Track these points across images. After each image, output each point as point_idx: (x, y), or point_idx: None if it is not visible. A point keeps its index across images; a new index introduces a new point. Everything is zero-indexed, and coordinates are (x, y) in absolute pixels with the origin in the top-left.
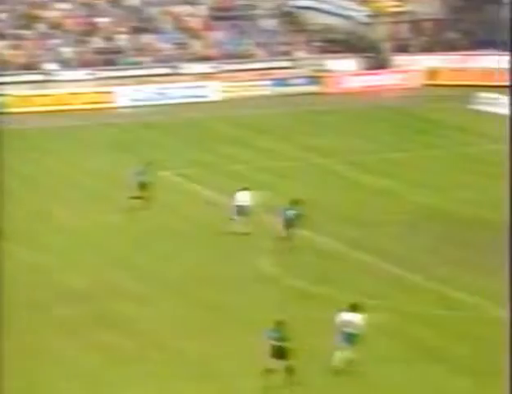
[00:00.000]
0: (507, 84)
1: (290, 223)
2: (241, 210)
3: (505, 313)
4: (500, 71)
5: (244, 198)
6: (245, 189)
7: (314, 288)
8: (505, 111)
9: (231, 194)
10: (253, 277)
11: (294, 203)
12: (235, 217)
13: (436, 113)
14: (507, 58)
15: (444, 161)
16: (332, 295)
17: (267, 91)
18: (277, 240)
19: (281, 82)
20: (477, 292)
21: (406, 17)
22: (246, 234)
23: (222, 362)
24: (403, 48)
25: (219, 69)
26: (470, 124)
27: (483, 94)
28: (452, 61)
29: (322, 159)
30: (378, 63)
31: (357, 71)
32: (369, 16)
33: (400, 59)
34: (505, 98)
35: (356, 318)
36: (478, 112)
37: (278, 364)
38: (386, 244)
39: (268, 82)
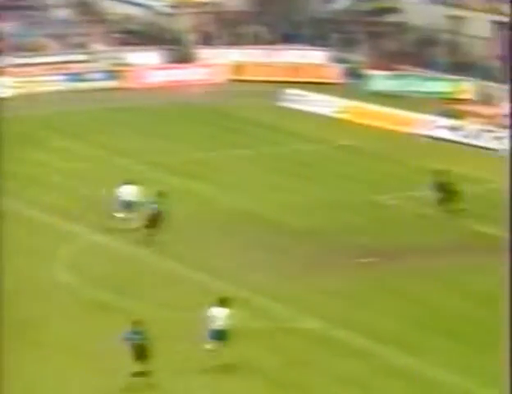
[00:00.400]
0: (313, 80)
1: (153, 218)
2: (126, 205)
3: (315, 325)
4: (306, 66)
5: (128, 191)
6: (129, 182)
7: (114, 299)
8: (313, 108)
9: (22, 199)
10: (51, 287)
11: (159, 195)
12: (120, 213)
13: (243, 110)
14: (313, 53)
15: (252, 161)
16: (132, 307)
17: (61, 86)
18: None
19: (77, 77)
20: (289, 302)
21: (210, 8)
22: (134, 230)
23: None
24: (207, 41)
25: (8, 63)
26: (278, 122)
27: (290, 91)
28: (258, 55)
29: (122, 160)
30: (182, 56)
31: (159, 65)
32: (171, 6)
33: (205, 52)
34: (312, 96)
35: (223, 313)
36: (286, 109)
37: (142, 366)
38: (193, 250)
39: (62, 77)
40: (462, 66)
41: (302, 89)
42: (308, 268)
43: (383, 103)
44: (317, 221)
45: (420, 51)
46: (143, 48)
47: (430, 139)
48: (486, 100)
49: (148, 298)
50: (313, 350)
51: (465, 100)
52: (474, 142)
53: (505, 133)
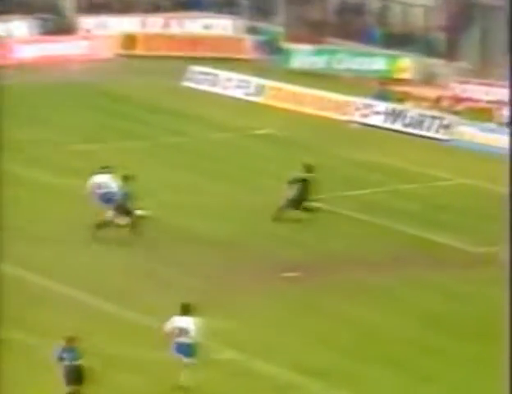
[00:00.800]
0: (222, 55)
1: (123, 206)
2: (106, 198)
3: (231, 355)
4: (212, 38)
5: (106, 182)
6: (106, 169)
7: None
8: (222, 90)
9: None
10: None
11: (125, 179)
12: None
13: (136, 92)
14: (220, 22)
15: (149, 154)
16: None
17: None
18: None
19: None
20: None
21: None
22: (124, 227)
23: None
24: (91, 8)
25: None
26: (180, 106)
27: (194, 68)
28: (154, 25)
29: None
30: (59, 27)
31: (31, 37)
32: None
33: (88, 22)
34: (221, 74)
35: (189, 322)
36: (189, 90)
37: (75, 390)
38: (72, 262)
39: None
40: (399, 39)
41: (208, 65)
42: (219, 285)
43: (307, 84)
44: (230, 228)
45: (349, 21)
46: (9, 17)
47: (363, 127)
48: (430, 80)
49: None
50: (229, 385)
51: (404, 80)
52: (416, 130)
53: (453, 119)
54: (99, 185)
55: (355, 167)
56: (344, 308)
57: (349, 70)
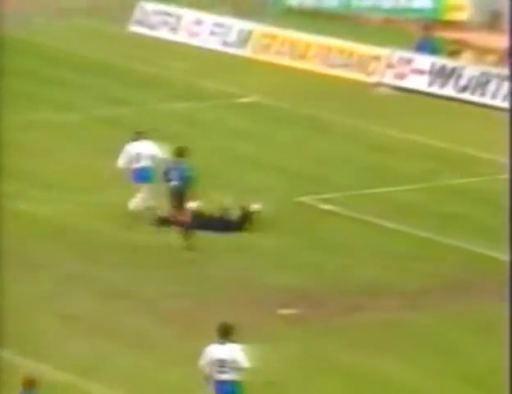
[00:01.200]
0: None
1: (179, 192)
2: (144, 175)
3: None
4: None
5: (147, 151)
6: (142, 134)
7: None
8: (190, 38)
9: None
10: None
11: (179, 153)
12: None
13: (60, 42)
14: None
15: (79, 132)
16: None
17: None
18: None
19: None
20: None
21: None
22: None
23: None
24: None
25: None
26: (127, 63)
27: (150, 6)
28: None
29: None
30: None
31: None
32: None
33: None
34: (188, 14)
35: (232, 351)
36: (141, 38)
37: None
38: None
39: None
40: None
41: (167, 3)
42: (188, 328)
43: (312, 29)
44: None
45: None
46: None
47: (397, 93)
48: (495, 23)
49: None
50: None
51: (458, 23)
52: (476, 97)
53: None
54: (137, 157)
55: (383, 151)
56: (363, 359)
57: (376, 8)
